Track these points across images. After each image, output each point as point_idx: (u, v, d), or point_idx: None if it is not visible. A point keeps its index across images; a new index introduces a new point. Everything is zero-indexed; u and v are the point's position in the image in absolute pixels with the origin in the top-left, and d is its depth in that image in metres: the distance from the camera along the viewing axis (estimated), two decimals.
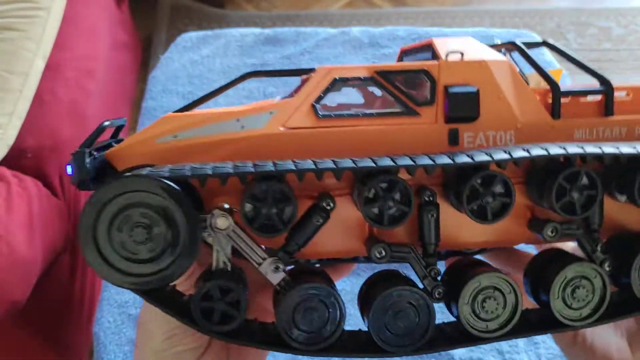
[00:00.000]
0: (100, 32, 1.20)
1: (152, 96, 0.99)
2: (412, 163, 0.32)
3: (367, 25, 1.51)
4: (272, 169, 0.32)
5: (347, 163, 0.32)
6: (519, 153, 0.33)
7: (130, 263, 0.31)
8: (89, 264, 0.31)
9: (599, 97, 0.38)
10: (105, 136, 0.39)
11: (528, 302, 0.38)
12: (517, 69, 0.39)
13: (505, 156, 0.33)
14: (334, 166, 0.32)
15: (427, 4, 2.02)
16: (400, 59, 0.45)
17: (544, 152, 0.33)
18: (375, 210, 0.33)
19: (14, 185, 0.83)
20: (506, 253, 0.44)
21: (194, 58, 1.04)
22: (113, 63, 1.28)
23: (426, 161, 0.32)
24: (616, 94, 0.39)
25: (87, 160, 0.34)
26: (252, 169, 0.32)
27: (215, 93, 0.40)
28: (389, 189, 0.33)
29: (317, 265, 0.42)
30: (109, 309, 0.74)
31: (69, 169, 0.34)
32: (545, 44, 0.43)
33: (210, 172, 0.31)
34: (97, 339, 0.72)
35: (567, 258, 0.37)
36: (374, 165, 0.32)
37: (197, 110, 0.37)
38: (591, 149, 0.34)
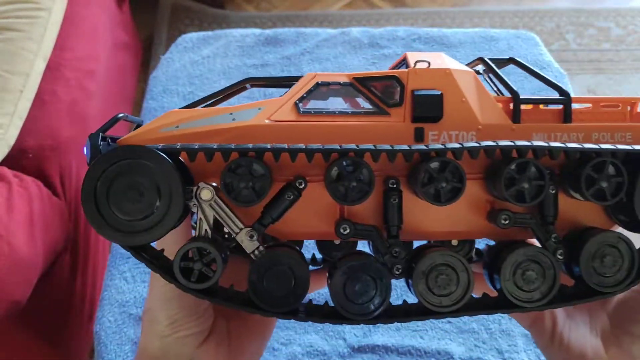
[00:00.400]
0: (100, 32, 1.20)
1: (152, 96, 0.99)
2: (372, 148, 0.37)
3: (367, 26, 1.52)
4: (250, 147, 0.37)
5: (316, 146, 0.37)
6: (470, 144, 0.37)
7: (122, 221, 0.36)
8: (87, 218, 0.36)
9: (561, 106, 0.42)
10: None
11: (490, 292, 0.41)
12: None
13: (457, 146, 0.37)
14: (303, 147, 0.36)
15: (427, 4, 2.02)
16: None
17: (493, 144, 0.37)
18: (341, 188, 0.37)
19: (14, 185, 0.84)
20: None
21: (194, 58, 1.04)
22: (114, 63, 1.28)
23: (386, 147, 0.37)
24: (581, 105, 0.43)
25: (101, 142, 0.38)
26: (233, 147, 0.37)
27: (214, 96, 0.45)
28: (353, 169, 0.37)
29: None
30: (110, 309, 0.74)
31: (84, 150, 0.39)
32: (511, 60, 0.47)
33: (196, 147, 0.37)
34: (98, 339, 0.73)
35: (518, 244, 0.40)
36: (338, 147, 0.37)
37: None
38: (539, 143, 0.37)
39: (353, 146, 0.37)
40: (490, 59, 0.45)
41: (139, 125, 0.43)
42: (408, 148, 0.37)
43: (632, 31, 1.89)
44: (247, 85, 0.47)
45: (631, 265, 0.39)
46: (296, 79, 0.42)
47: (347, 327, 0.72)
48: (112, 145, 0.39)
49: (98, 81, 1.11)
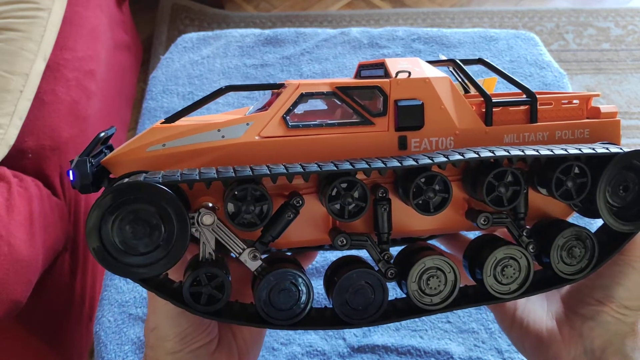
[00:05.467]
0: (101, 32, 1.20)
1: (152, 96, 0.99)
2: (367, 166, 0.38)
3: (366, 26, 1.52)
4: (250, 174, 0.37)
5: (313, 167, 0.38)
6: (455, 156, 0.39)
7: (130, 256, 0.36)
8: (96, 259, 0.35)
9: (525, 106, 0.45)
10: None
11: (468, 280, 0.44)
12: (456, 83, 0.45)
13: (444, 159, 0.39)
14: (302, 170, 0.37)
15: (426, 4, 2.02)
16: (358, 72, 0.50)
17: (475, 156, 0.39)
18: (338, 206, 0.39)
19: (14, 185, 0.84)
20: (451, 237, 0.52)
21: (194, 58, 1.05)
22: (114, 63, 1.28)
23: (379, 165, 0.38)
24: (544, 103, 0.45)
25: (89, 168, 0.38)
26: (233, 175, 0.36)
27: (196, 106, 0.44)
28: (348, 188, 0.39)
29: (289, 253, 0.49)
30: (110, 309, 0.74)
31: (70, 175, 0.38)
32: (480, 60, 0.48)
33: (197, 177, 0.36)
34: (98, 339, 0.73)
35: (498, 242, 0.43)
36: (335, 168, 0.38)
37: (181, 122, 0.41)
38: (515, 152, 0.40)
39: (348, 165, 0.38)
40: (460, 60, 0.47)
41: (110, 136, 0.43)
42: (400, 165, 0.38)
43: (632, 31, 1.90)
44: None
45: (592, 256, 0.43)
46: (274, 86, 0.43)
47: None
48: (96, 163, 0.39)
49: (98, 81, 1.11)
